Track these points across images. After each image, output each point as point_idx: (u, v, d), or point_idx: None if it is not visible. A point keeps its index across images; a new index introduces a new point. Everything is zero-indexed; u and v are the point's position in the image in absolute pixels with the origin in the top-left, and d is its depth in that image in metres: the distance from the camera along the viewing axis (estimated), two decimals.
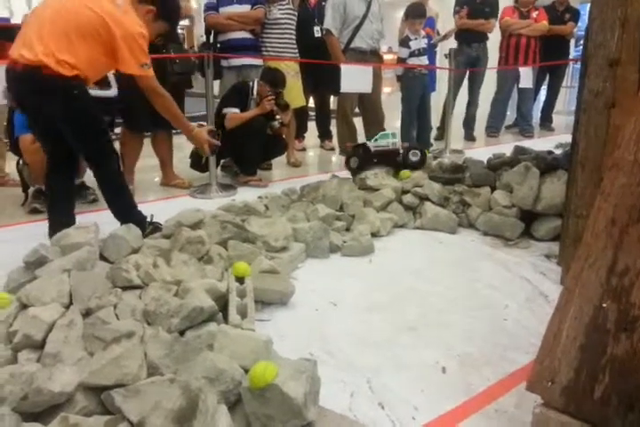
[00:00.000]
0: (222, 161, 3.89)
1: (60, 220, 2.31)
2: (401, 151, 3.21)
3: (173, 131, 3.64)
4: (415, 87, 4.51)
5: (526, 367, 1.55)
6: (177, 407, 1.13)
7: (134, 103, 3.25)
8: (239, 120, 3.52)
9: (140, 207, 3.16)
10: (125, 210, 2.44)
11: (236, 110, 3.59)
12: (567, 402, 1.16)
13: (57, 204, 2.45)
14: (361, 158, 3.24)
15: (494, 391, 1.50)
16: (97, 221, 2.22)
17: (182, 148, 4.83)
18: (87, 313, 1.62)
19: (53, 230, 2.25)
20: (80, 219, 2.48)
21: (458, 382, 1.54)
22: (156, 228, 2.44)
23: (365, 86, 3.93)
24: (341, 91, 3.92)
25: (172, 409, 1.13)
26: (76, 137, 2.27)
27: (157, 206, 3.17)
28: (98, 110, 2.32)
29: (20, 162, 3.17)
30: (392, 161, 3.23)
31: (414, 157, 3.19)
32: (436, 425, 1.36)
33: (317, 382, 1.28)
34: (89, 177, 2.90)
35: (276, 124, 3.73)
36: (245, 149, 3.59)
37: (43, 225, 2.72)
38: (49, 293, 1.64)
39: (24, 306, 1.62)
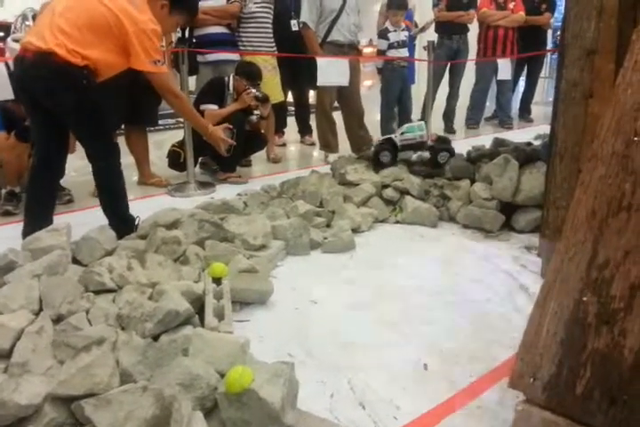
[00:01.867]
0: (200, 158, 3.82)
1: (39, 224, 2.19)
2: (426, 140, 3.13)
3: (148, 129, 3.57)
4: (395, 79, 4.49)
5: (509, 362, 1.53)
6: (150, 416, 1.09)
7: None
8: (218, 117, 3.46)
9: None
10: (118, 211, 2.40)
11: (214, 107, 3.53)
12: (549, 398, 1.14)
13: (37, 205, 2.36)
14: (392, 153, 3.09)
15: (477, 388, 1.48)
16: (72, 222, 2.16)
17: (160, 145, 4.77)
18: (58, 319, 1.56)
19: (27, 234, 2.17)
20: (55, 220, 2.40)
21: (440, 380, 1.52)
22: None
23: (342, 79, 3.89)
24: (318, 84, 3.88)
25: (144, 419, 1.09)
26: (82, 130, 2.26)
27: (135, 206, 3.08)
28: (108, 105, 2.30)
29: None
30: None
31: (442, 157, 3.03)
32: (417, 424, 1.34)
33: (295, 385, 1.25)
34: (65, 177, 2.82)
35: (254, 118, 3.68)
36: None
37: (14, 228, 2.65)
38: (17, 299, 1.58)
39: None
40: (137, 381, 1.27)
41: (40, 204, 2.36)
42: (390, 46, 4.46)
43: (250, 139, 3.72)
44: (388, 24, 4.50)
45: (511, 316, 1.85)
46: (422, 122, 3.24)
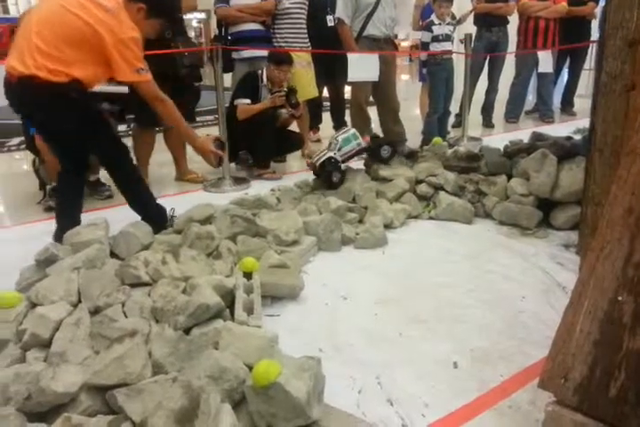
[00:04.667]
0: (240, 153, 3.87)
1: (67, 225, 2.24)
2: (365, 145, 3.04)
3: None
4: (439, 73, 4.41)
5: (541, 362, 1.49)
6: (178, 407, 1.12)
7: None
8: (249, 112, 3.50)
9: None
10: (147, 205, 2.44)
11: (247, 101, 3.57)
12: (581, 400, 1.11)
13: (65, 206, 2.41)
14: (340, 171, 2.95)
15: (508, 387, 1.46)
16: (112, 217, 2.23)
17: None
18: (95, 311, 1.62)
19: (57, 235, 2.26)
20: (95, 215, 2.48)
21: (470, 378, 1.50)
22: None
23: (372, 74, 3.86)
24: (348, 80, 3.87)
25: (173, 409, 1.12)
26: (82, 143, 2.24)
27: (172, 201, 3.16)
28: (99, 113, 2.26)
29: (37, 160, 3.20)
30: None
31: (385, 151, 3.00)
32: (446, 423, 1.33)
33: (322, 380, 1.26)
34: (104, 173, 2.91)
35: (285, 112, 3.68)
36: (257, 141, 3.57)
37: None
38: (57, 291, 1.65)
39: (33, 305, 1.63)
40: (168, 372, 1.30)
41: (66, 208, 2.40)
42: (434, 39, 4.38)
43: (286, 138, 3.74)
44: (433, 17, 4.42)
45: (546, 315, 1.81)
46: (353, 130, 3.11)
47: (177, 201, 3.08)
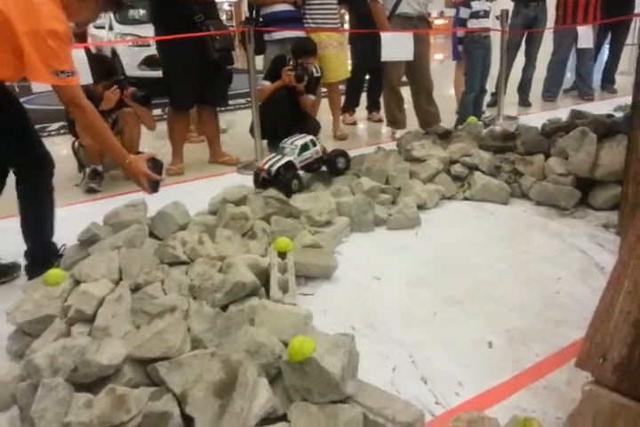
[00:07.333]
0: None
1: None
2: (324, 157, 2.82)
3: (220, 108, 3.66)
4: (477, 51, 4.29)
5: (578, 343, 1.48)
6: (217, 380, 1.16)
7: (176, 82, 3.29)
8: (263, 92, 3.49)
9: (189, 184, 3.25)
10: (43, 234, 2.04)
11: (267, 83, 3.56)
12: (620, 380, 1.09)
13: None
14: (299, 179, 2.63)
15: (544, 367, 1.45)
16: (148, 198, 2.25)
17: (231, 125, 4.90)
18: (136, 288, 1.67)
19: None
20: (130, 198, 2.53)
21: (505, 358, 1.49)
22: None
23: (407, 54, 3.78)
24: (382, 59, 3.79)
25: (212, 382, 1.16)
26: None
27: (206, 183, 3.23)
28: (17, 113, 1.87)
29: (76, 143, 3.29)
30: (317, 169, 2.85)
31: (340, 163, 2.81)
32: (480, 401, 1.33)
33: (355, 356, 1.27)
34: None
35: (310, 97, 3.63)
36: (275, 121, 3.50)
37: (98, 204, 2.85)
38: (99, 269, 1.71)
39: (77, 282, 1.69)
40: (207, 347, 1.34)
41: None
42: (472, 15, 4.25)
43: (301, 122, 3.66)
44: None
45: (583, 296, 1.78)
46: (312, 137, 2.82)
47: (211, 183, 3.14)
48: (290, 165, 2.60)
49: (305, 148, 2.71)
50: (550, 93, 5.43)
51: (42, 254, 2.03)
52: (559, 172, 2.55)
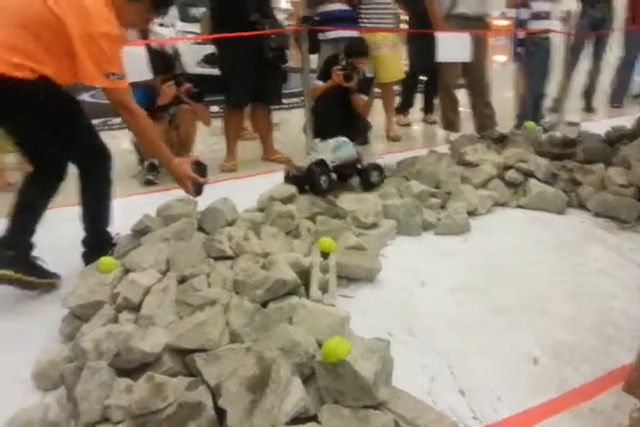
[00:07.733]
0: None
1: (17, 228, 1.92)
2: (359, 166, 2.71)
3: (273, 107, 3.70)
4: (539, 53, 4.15)
5: (628, 366, 1.40)
6: (251, 375, 1.17)
7: (232, 80, 3.35)
8: (316, 91, 3.49)
9: (240, 181, 3.30)
10: (99, 223, 2.09)
11: (320, 82, 3.56)
12: None
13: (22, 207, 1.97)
14: (329, 176, 2.52)
15: (591, 389, 1.37)
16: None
17: (287, 122, 4.94)
18: (182, 280, 1.71)
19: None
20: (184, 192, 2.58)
21: (550, 376, 1.43)
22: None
23: (463, 55, 3.69)
24: (438, 60, 3.71)
25: (246, 377, 1.17)
26: (53, 143, 1.90)
27: (257, 180, 3.27)
28: (73, 110, 1.91)
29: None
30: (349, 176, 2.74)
31: (374, 177, 2.69)
32: (519, 420, 1.28)
33: (390, 363, 1.25)
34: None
35: (362, 97, 3.59)
36: (326, 120, 3.47)
37: (154, 196, 2.93)
38: (148, 260, 1.76)
39: (127, 271, 1.75)
40: (243, 341, 1.36)
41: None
42: (533, 16, 4.12)
43: (352, 122, 3.61)
44: None
45: (638, 313, 1.69)
46: (345, 139, 2.69)
47: (262, 180, 3.17)
48: (321, 162, 2.55)
49: (339, 148, 2.64)
50: (617, 99, 5.18)
51: (96, 243, 2.10)
52: (620, 182, 2.43)
